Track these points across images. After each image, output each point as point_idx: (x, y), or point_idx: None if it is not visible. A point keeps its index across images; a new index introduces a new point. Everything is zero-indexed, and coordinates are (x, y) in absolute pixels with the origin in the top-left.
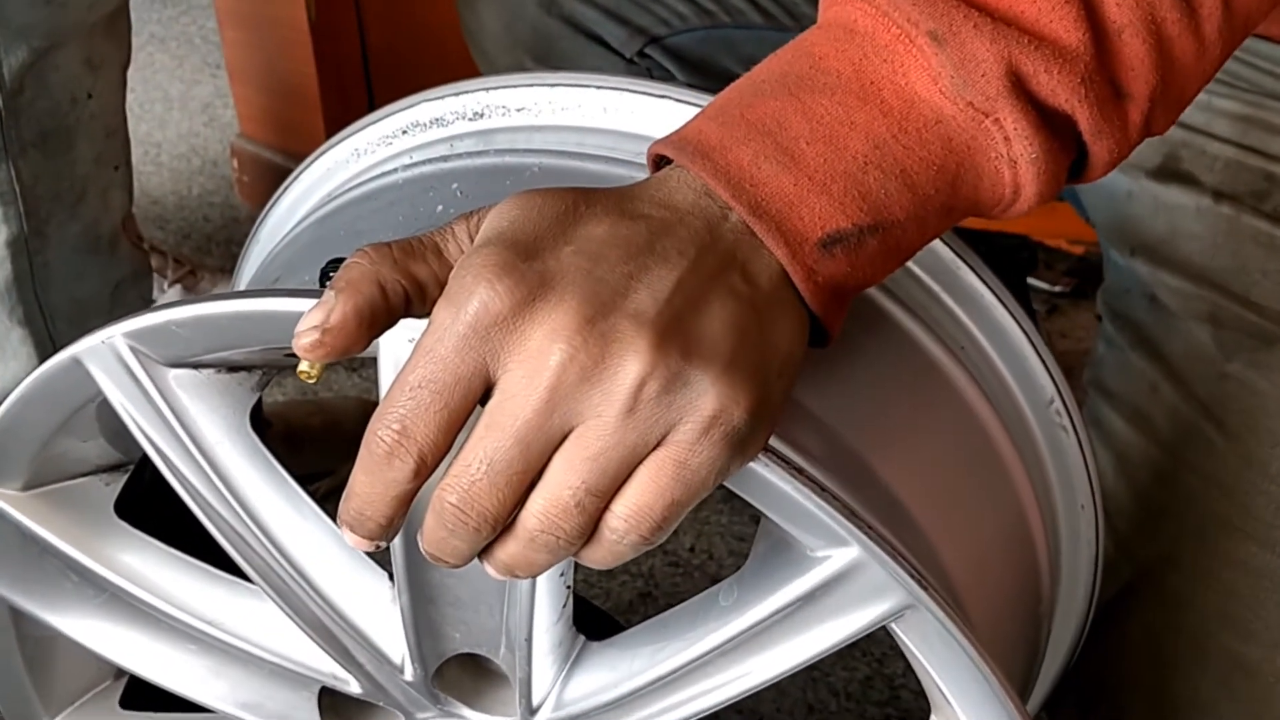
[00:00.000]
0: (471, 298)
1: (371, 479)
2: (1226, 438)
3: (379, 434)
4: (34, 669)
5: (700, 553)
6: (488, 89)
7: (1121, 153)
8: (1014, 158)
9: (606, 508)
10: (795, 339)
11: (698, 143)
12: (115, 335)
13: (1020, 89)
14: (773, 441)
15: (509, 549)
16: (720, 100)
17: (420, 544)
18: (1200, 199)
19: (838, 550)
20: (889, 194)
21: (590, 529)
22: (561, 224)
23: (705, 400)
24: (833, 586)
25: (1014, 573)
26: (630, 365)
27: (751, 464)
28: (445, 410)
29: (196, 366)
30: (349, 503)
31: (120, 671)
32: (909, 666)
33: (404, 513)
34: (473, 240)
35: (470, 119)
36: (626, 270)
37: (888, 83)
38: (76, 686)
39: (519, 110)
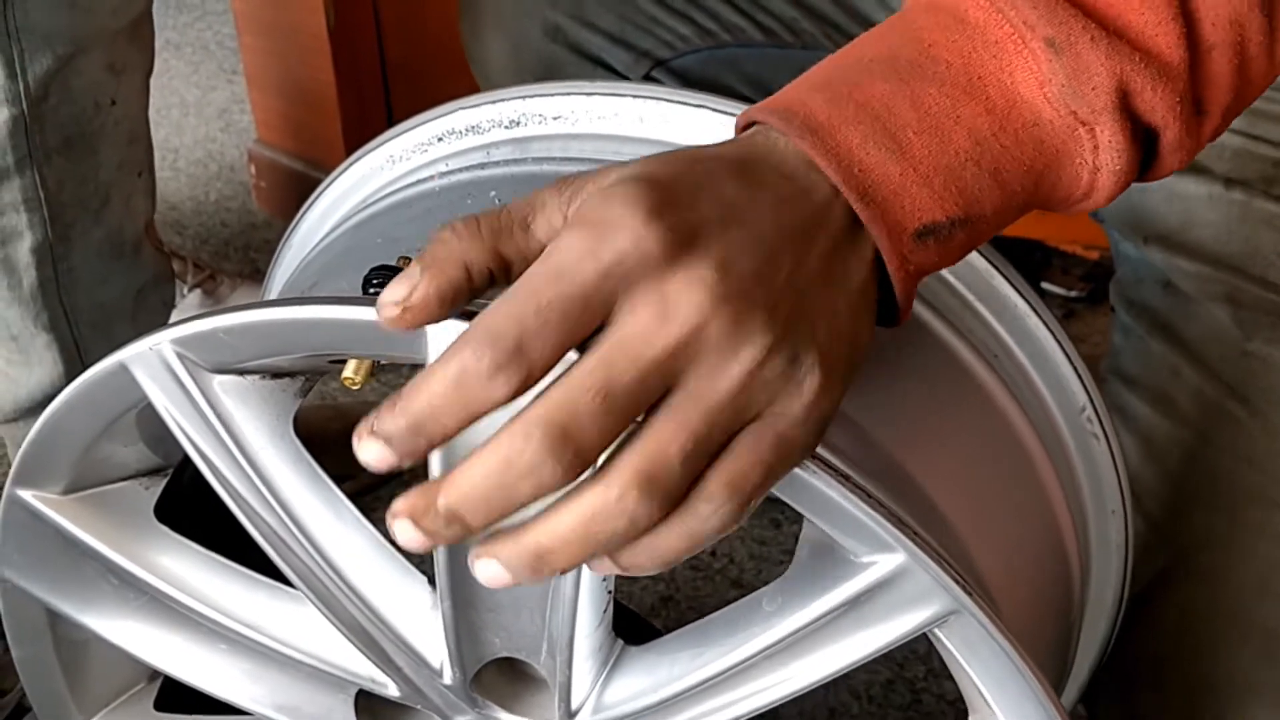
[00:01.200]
0: (622, 230)
1: (459, 390)
2: (1252, 413)
3: (489, 347)
4: (70, 671)
5: (721, 557)
6: (524, 97)
7: (1185, 163)
8: (1098, 165)
9: (700, 480)
10: (871, 329)
11: (805, 117)
12: (163, 342)
13: (1125, 104)
14: (819, 448)
15: (597, 496)
16: (823, 73)
17: (448, 488)
18: (1212, 187)
19: (883, 556)
20: (981, 190)
21: (681, 493)
22: (699, 181)
23: (809, 384)
24: (877, 592)
25: (1046, 576)
26: (759, 339)
27: (798, 470)
28: (569, 336)
29: (241, 373)
30: (412, 402)
31: (155, 674)
32: (930, 670)
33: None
34: (565, 218)
35: (507, 126)
36: (765, 245)
37: (994, 79)
38: (111, 689)
39: (555, 119)
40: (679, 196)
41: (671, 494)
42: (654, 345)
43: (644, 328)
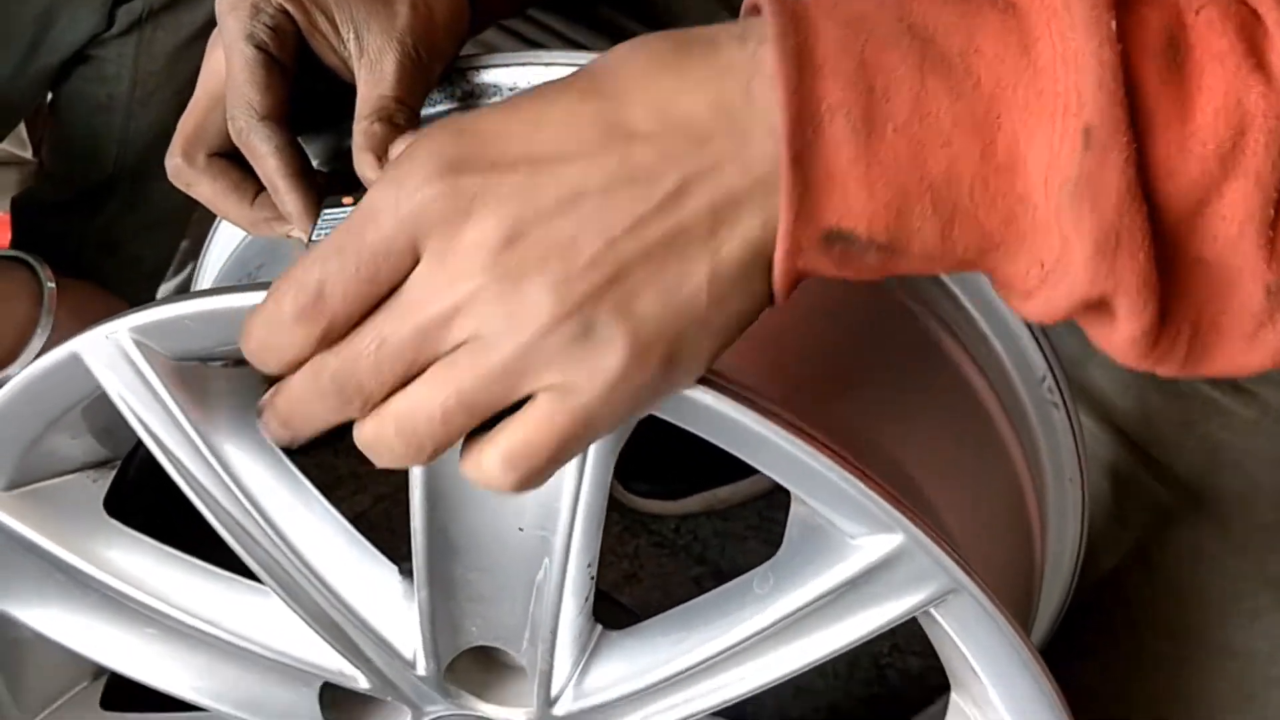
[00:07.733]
0: (417, 183)
1: (268, 333)
2: None
3: (291, 295)
4: (8, 671)
5: (686, 534)
6: (478, 68)
7: (1137, 365)
8: (1050, 275)
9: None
10: (744, 309)
11: (799, 42)
12: (120, 330)
13: (1112, 249)
14: (813, 429)
15: (363, 427)
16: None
17: (269, 403)
18: None
19: (880, 537)
20: (923, 229)
21: (448, 444)
22: (525, 129)
23: (608, 358)
24: (876, 573)
25: (1011, 544)
26: (541, 310)
27: (794, 450)
28: (370, 284)
29: (203, 360)
30: (244, 341)
31: (99, 672)
32: (895, 646)
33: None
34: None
35: (460, 99)
36: (581, 208)
37: (1010, 129)
38: (53, 688)
39: (511, 89)
40: (485, 149)
41: (437, 445)
42: (429, 306)
43: (424, 286)
